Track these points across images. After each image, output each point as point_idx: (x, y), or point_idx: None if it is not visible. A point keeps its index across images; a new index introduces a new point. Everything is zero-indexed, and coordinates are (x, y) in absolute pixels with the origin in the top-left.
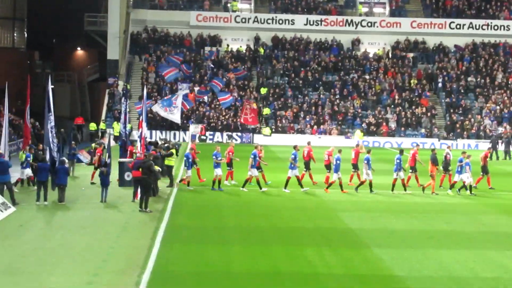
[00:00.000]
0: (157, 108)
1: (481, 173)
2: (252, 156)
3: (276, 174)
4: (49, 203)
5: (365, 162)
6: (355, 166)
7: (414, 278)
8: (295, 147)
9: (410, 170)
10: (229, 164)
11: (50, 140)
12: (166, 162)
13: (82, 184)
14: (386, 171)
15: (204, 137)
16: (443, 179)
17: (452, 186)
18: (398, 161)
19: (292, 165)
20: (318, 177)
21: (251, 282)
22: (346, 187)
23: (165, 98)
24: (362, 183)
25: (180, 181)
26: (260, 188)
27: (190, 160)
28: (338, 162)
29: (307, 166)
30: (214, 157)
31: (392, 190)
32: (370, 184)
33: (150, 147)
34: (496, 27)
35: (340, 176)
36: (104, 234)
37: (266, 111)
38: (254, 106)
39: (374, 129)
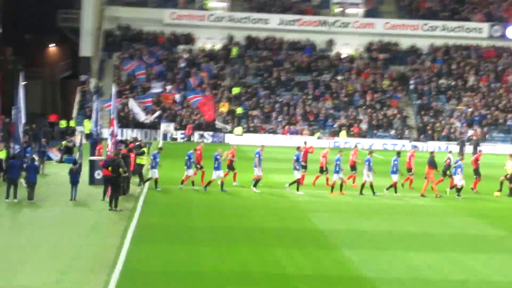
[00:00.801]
0: (133, 103)
1: (474, 176)
2: (257, 156)
3: (248, 174)
4: (19, 201)
5: (366, 163)
6: (353, 168)
7: (383, 280)
8: (298, 148)
9: (410, 173)
10: (230, 166)
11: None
12: (138, 160)
13: (52, 182)
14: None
15: (176, 136)
16: (438, 183)
17: (452, 187)
18: (395, 162)
19: (296, 167)
20: (311, 178)
21: (220, 282)
22: (347, 188)
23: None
24: (362, 185)
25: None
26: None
27: (192, 160)
28: (338, 163)
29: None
30: (215, 158)
31: (396, 192)
32: (371, 186)
33: (121, 146)
34: (468, 30)
35: (342, 176)
36: (74, 232)
37: (238, 110)
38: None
39: (346, 130)
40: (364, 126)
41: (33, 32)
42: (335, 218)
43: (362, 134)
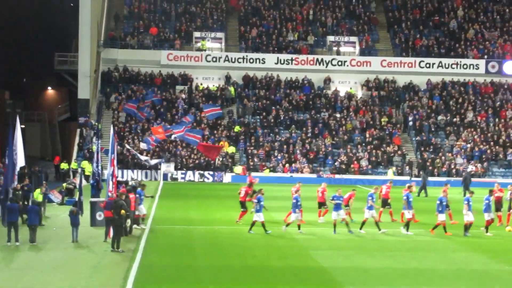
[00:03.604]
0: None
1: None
2: (295, 201)
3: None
4: (21, 244)
5: (405, 199)
6: (385, 202)
7: None
8: (337, 191)
9: (388, 206)
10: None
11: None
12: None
13: (54, 224)
14: (357, 209)
15: (176, 176)
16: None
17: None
18: (487, 201)
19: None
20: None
21: None
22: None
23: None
24: (408, 223)
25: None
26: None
27: (262, 202)
28: (370, 198)
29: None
30: (256, 201)
31: (487, 231)
32: (409, 223)
33: (120, 187)
34: (465, 66)
35: (374, 215)
36: (76, 274)
37: (232, 149)
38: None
39: (344, 168)
40: (364, 163)
41: (30, 75)
42: (337, 256)
43: (362, 171)
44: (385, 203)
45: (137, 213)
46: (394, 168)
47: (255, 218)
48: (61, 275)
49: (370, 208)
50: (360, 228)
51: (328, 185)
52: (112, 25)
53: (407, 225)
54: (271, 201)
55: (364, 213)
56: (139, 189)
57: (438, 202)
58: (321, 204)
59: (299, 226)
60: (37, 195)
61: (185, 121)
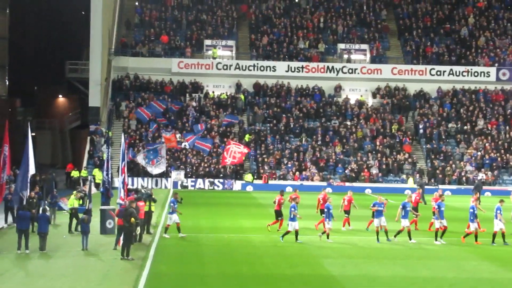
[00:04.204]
0: (141, 160)
1: None
2: (326, 209)
3: (257, 220)
4: (30, 251)
5: (436, 208)
6: (415, 210)
7: None
8: (378, 197)
9: (346, 215)
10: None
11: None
12: (147, 208)
13: (64, 232)
14: (365, 217)
15: (186, 184)
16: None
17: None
18: (498, 211)
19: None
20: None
21: None
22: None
23: (149, 148)
24: (442, 233)
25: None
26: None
27: (331, 211)
28: (408, 208)
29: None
30: (293, 209)
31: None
32: (437, 233)
33: (130, 194)
34: (476, 74)
35: (408, 225)
36: (86, 282)
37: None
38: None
39: (354, 176)
40: (374, 171)
41: (41, 83)
42: (347, 264)
43: (372, 179)
44: (415, 210)
45: (170, 222)
46: (413, 177)
47: (290, 228)
48: (70, 282)
49: (405, 217)
50: (395, 236)
51: (337, 193)
52: (123, 32)
53: (436, 235)
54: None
55: (400, 222)
56: (172, 198)
57: (471, 210)
58: (323, 212)
59: (328, 235)
60: (72, 201)
61: (199, 128)
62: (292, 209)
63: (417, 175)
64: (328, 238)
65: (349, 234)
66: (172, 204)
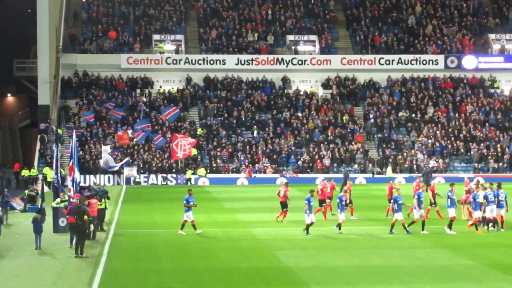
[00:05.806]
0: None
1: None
2: (338, 200)
3: (211, 214)
4: None
5: (416, 198)
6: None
7: None
8: (397, 191)
9: (325, 204)
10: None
11: None
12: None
13: (16, 232)
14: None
15: (139, 180)
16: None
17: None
18: (449, 193)
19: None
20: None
21: None
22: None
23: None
24: (422, 222)
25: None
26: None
27: (343, 202)
28: (421, 199)
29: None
30: (306, 201)
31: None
32: (423, 223)
33: (83, 192)
34: (424, 62)
35: (423, 214)
36: (40, 281)
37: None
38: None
39: (307, 166)
40: (327, 161)
41: None
42: (302, 255)
43: (325, 170)
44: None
45: (186, 219)
46: (391, 166)
47: (308, 221)
48: (25, 282)
49: (398, 211)
50: (408, 226)
51: (290, 184)
52: (71, 24)
53: (450, 225)
54: (235, 202)
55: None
56: (187, 195)
57: (416, 197)
58: (322, 202)
59: (339, 226)
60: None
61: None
62: (306, 202)
63: (369, 164)
64: (340, 229)
65: (298, 225)
66: (188, 202)
